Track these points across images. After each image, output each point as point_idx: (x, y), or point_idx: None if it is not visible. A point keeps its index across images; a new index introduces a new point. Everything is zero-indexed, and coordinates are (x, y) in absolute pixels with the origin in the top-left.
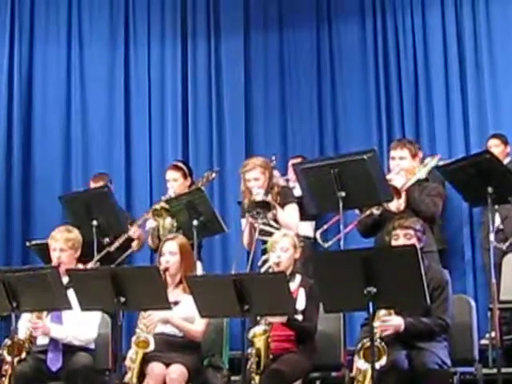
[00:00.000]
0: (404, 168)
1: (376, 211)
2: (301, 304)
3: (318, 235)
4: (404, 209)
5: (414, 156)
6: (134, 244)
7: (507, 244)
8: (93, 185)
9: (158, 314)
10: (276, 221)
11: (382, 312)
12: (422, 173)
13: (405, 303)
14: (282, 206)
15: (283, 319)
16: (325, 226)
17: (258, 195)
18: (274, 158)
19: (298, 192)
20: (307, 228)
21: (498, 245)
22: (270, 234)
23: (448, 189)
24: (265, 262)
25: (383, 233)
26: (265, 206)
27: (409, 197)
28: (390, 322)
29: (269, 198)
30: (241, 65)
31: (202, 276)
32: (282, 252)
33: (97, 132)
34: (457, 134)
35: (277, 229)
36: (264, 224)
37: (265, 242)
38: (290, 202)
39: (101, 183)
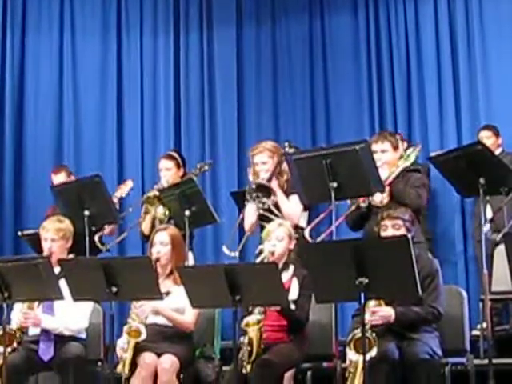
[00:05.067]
0: (386, 161)
1: (363, 204)
2: (294, 294)
3: (306, 233)
4: (388, 202)
5: (395, 148)
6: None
7: (500, 235)
8: (54, 177)
9: (150, 305)
10: (277, 207)
11: (372, 303)
12: (405, 164)
13: (396, 294)
14: (288, 194)
15: (277, 307)
16: (312, 224)
17: (263, 179)
18: (286, 144)
19: None
20: (301, 219)
21: (491, 236)
22: (270, 220)
23: (440, 179)
24: (261, 251)
25: (370, 224)
26: (264, 190)
27: (393, 190)
28: (380, 312)
29: (272, 184)
30: (233, 56)
31: (193, 266)
32: (276, 241)
33: (89, 123)
34: (449, 125)
35: (276, 215)
36: (263, 209)
37: (263, 228)
38: (296, 192)
39: (62, 173)
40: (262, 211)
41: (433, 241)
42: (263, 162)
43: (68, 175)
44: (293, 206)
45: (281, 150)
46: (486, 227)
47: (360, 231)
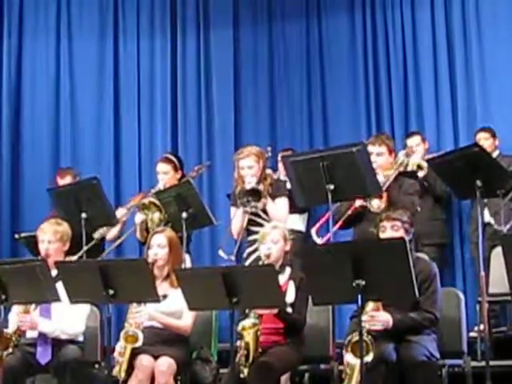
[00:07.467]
0: (380, 164)
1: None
2: (290, 297)
3: (313, 233)
4: (385, 207)
5: (390, 152)
6: (112, 232)
7: (508, 227)
8: (60, 180)
9: (147, 312)
10: (265, 211)
11: (370, 306)
12: (400, 169)
13: (393, 296)
14: (273, 198)
15: (274, 311)
16: (317, 224)
17: (250, 184)
18: (269, 149)
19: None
20: (297, 221)
21: (498, 227)
22: (258, 224)
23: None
24: (250, 254)
25: (363, 225)
26: (255, 194)
27: (389, 196)
28: (378, 317)
29: (260, 187)
30: (230, 57)
31: (190, 269)
32: (272, 244)
33: (86, 124)
34: (446, 127)
35: (265, 220)
36: (253, 214)
37: (251, 232)
38: (281, 195)
39: (68, 177)
40: (251, 216)
41: None
42: (249, 166)
43: (73, 178)
44: (280, 209)
45: (265, 155)
46: (492, 220)
47: (348, 230)
